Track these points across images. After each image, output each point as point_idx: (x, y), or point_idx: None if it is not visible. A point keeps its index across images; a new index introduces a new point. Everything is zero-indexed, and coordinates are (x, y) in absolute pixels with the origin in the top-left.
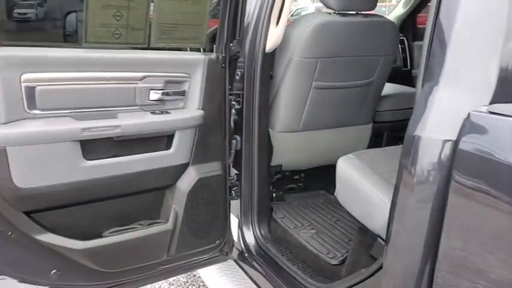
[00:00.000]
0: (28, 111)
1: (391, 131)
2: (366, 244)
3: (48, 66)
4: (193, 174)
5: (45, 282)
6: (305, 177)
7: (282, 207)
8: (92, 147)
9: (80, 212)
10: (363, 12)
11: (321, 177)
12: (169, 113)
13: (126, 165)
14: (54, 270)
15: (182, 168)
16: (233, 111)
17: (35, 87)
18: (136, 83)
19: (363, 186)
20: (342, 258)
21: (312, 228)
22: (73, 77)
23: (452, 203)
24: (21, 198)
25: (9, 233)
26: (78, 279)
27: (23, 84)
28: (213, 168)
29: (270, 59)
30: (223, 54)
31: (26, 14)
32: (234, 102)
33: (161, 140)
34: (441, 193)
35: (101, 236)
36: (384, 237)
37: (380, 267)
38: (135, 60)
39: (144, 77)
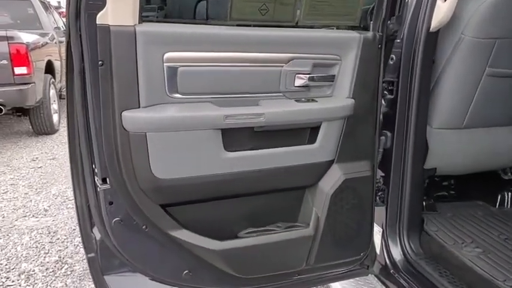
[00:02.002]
0: (169, 94)
1: None
2: None
3: (191, 44)
4: (338, 174)
5: (177, 283)
6: (457, 184)
7: (433, 218)
8: (231, 137)
9: (215, 209)
10: None
11: (478, 185)
12: (315, 101)
13: (266, 159)
14: (187, 271)
15: (326, 166)
16: (383, 102)
17: (177, 67)
18: (282, 66)
19: None
20: None
21: (477, 247)
22: (216, 57)
23: None
24: (159, 190)
25: (144, 226)
26: (210, 283)
27: (165, 64)
28: (360, 168)
29: (434, 40)
30: (381, 33)
31: (147, 16)
32: (385, 92)
33: (304, 132)
34: None
35: (236, 237)
36: None
37: None
38: (282, 39)
39: (291, 59)
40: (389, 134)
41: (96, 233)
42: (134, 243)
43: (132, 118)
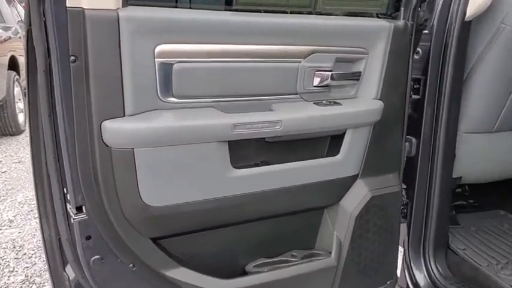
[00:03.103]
0: (162, 98)
1: None
2: None
3: (190, 33)
4: (364, 191)
5: None
6: (471, 192)
7: (457, 233)
8: (239, 151)
9: (218, 238)
10: None
11: (497, 192)
12: (339, 104)
13: (280, 176)
14: None
15: (349, 182)
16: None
17: (172, 64)
18: (300, 62)
19: None
20: None
21: None
22: (220, 50)
23: None
24: (151, 221)
25: (131, 265)
26: None
27: (157, 60)
28: (388, 182)
29: (468, 30)
30: (412, 22)
31: None
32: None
33: (323, 142)
34: None
35: (244, 271)
36: None
37: None
38: (300, 29)
39: (311, 53)
40: (414, 140)
41: (70, 273)
42: (119, 285)
43: (115, 130)
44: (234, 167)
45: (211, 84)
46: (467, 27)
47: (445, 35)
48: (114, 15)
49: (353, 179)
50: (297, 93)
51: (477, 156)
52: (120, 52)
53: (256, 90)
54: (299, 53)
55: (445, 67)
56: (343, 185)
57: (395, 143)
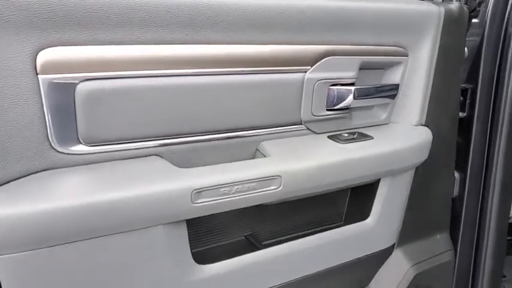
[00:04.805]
0: (57, 148)
1: None
2: None
3: (106, 26)
4: (404, 267)
5: None
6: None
7: None
8: (207, 230)
9: None
10: None
11: None
12: (369, 137)
13: (277, 266)
14: None
15: (383, 256)
16: None
17: (74, 84)
18: (306, 71)
19: None
20: None
21: None
22: (166, 56)
23: None
24: None
25: None
26: None
27: (41, 78)
28: (437, 248)
29: None
30: (467, 6)
31: None
32: None
33: (340, 199)
34: None
35: None
36: None
37: None
38: (305, 17)
39: (323, 56)
40: (457, 175)
41: None
42: None
43: None
44: (198, 262)
45: (151, 115)
46: None
47: (505, 25)
48: None
49: (388, 251)
50: (301, 123)
51: None
52: None
53: (234, 121)
54: (304, 57)
55: (504, 72)
56: (374, 262)
57: (443, 190)
